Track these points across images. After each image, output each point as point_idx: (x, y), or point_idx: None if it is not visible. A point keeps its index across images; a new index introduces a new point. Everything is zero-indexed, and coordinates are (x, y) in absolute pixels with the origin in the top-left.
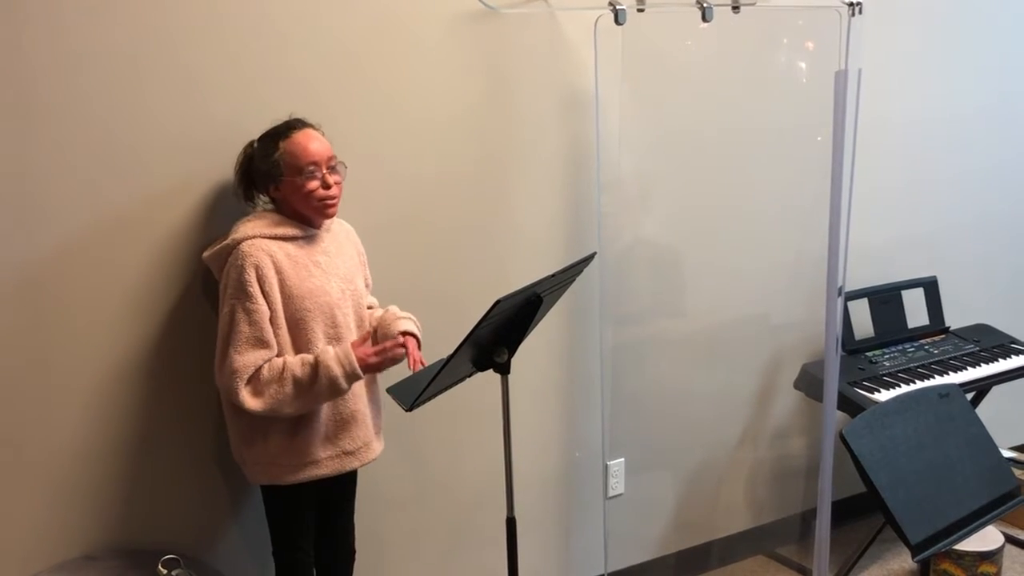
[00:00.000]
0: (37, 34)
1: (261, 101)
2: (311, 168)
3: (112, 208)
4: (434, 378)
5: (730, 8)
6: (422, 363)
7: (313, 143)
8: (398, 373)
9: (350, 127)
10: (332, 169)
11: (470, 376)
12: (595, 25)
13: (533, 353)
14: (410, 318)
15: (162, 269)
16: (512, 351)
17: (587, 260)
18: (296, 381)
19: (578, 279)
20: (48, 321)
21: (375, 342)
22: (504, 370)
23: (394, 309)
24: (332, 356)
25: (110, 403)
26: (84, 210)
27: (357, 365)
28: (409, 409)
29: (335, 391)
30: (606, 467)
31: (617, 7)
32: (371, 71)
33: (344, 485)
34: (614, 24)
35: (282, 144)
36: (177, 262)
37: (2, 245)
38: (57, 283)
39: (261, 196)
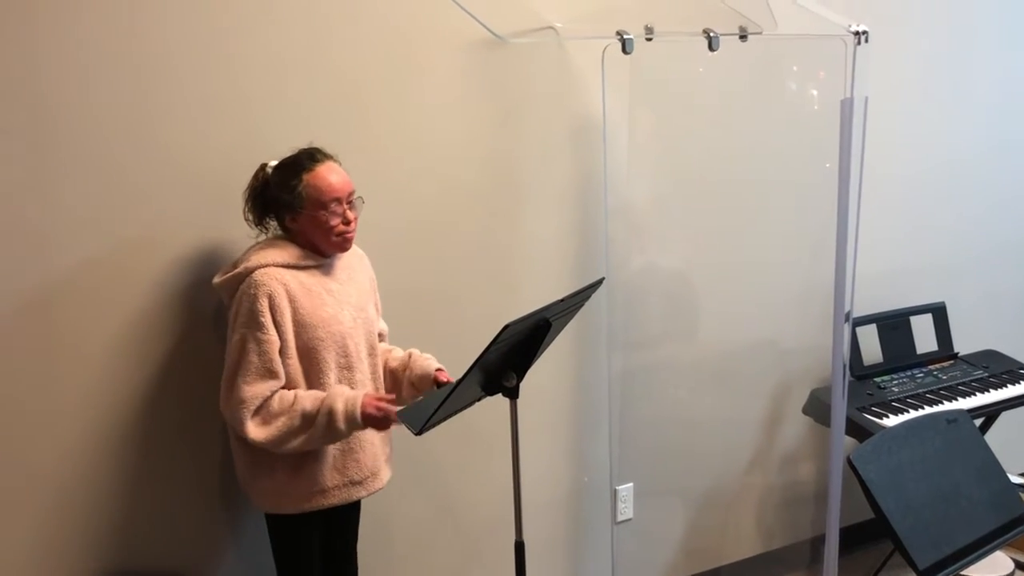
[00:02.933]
0: (61, 63)
1: (277, 126)
2: (334, 204)
3: (118, 235)
4: (443, 402)
5: (737, 37)
6: None
7: (335, 177)
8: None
9: (363, 154)
10: (351, 204)
11: (479, 400)
12: (603, 54)
13: (542, 378)
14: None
15: (173, 294)
16: (521, 376)
17: (595, 285)
18: (304, 414)
19: (586, 304)
20: (55, 344)
21: (398, 385)
22: (513, 394)
23: (416, 352)
24: (339, 392)
25: (110, 427)
26: (90, 239)
27: (359, 409)
28: (418, 433)
29: (332, 430)
30: (615, 492)
31: (625, 36)
32: (384, 99)
33: (349, 512)
34: (622, 53)
35: (305, 176)
36: (188, 288)
37: (17, 268)
38: (66, 306)
39: (272, 222)
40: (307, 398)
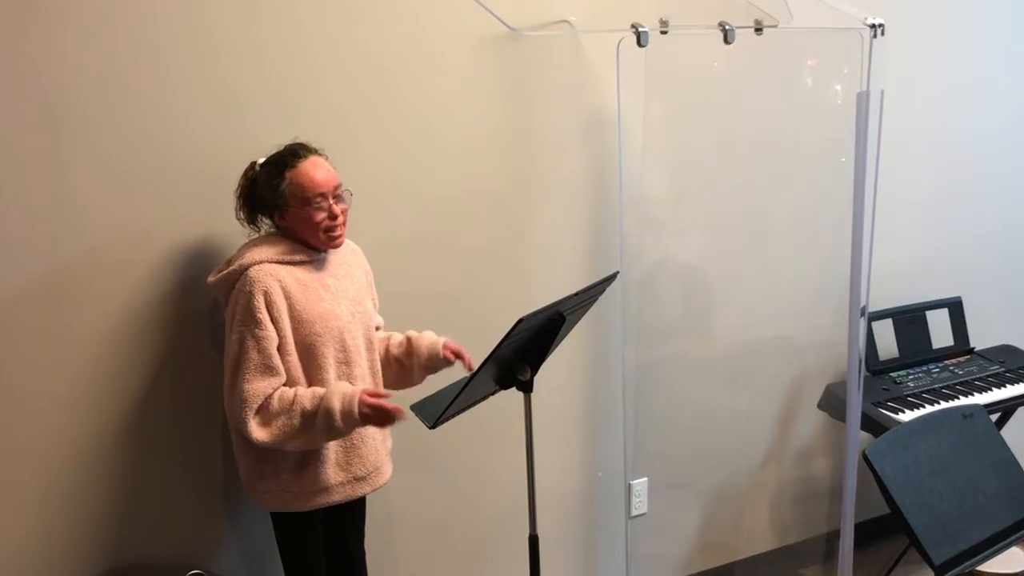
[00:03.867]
0: (70, 52)
1: (287, 121)
2: (318, 200)
3: (117, 227)
4: (457, 396)
5: (752, 30)
6: (470, 367)
7: (319, 172)
8: (421, 391)
9: (374, 146)
10: (338, 198)
11: (493, 394)
12: (618, 47)
13: (556, 372)
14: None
15: (173, 286)
16: (535, 369)
17: (610, 279)
18: (304, 414)
19: (601, 298)
20: (58, 336)
21: (408, 373)
22: (527, 388)
23: (414, 334)
24: (336, 390)
25: (112, 420)
26: (84, 234)
27: (356, 405)
28: (432, 427)
29: (331, 428)
30: (629, 487)
31: (640, 29)
32: (396, 91)
33: (354, 509)
34: (637, 46)
35: (288, 174)
36: (188, 280)
37: (23, 259)
38: (69, 297)
39: (265, 220)
40: (306, 396)
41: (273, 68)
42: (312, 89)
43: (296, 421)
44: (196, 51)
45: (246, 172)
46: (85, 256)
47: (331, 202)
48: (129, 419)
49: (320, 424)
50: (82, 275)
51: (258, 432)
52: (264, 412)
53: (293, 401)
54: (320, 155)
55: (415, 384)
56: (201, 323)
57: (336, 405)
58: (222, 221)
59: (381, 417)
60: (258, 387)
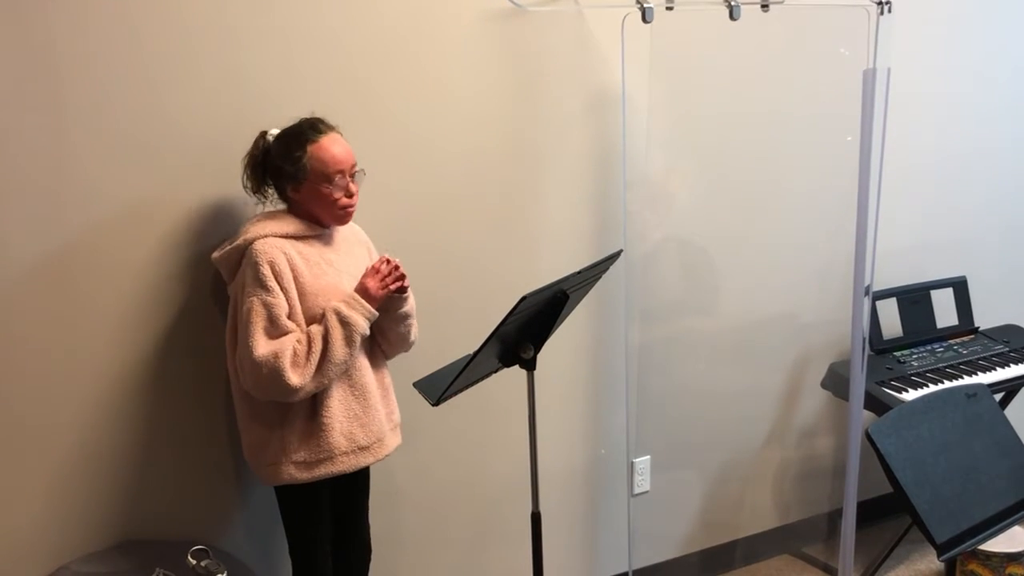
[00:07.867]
0: (67, 35)
1: (291, 99)
2: (338, 176)
3: (124, 205)
4: (460, 373)
5: (759, 6)
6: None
7: (339, 149)
8: (424, 369)
9: (378, 124)
10: (353, 177)
11: (496, 372)
12: (622, 23)
13: (559, 350)
14: None
15: (177, 265)
16: (538, 347)
17: (613, 257)
18: (322, 336)
19: (604, 277)
20: (63, 316)
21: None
22: (530, 366)
23: None
24: (334, 302)
25: (128, 401)
26: (96, 208)
27: (357, 294)
28: (435, 404)
29: (347, 328)
30: (632, 464)
31: (645, 5)
32: (400, 68)
33: (358, 481)
34: (642, 22)
35: (310, 148)
36: (196, 254)
37: (26, 236)
38: (72, 278)
39: (270, 190)
40: (315, 327)
41: (278, 44)
42: (316, 67)
43: (319, 345)
44: (199, 27)
45: (256, 142)
46: (92, 233)
47: (348, 180)
48: (135, 395)
49: (334, 327)
50: (88, 253)
51: (296, 377)
52: (294, 358)
53: (310, 337)
54: (338, 131)
55: (389, 337)
56: (205, 301)
57: (337, 304)
58: (230, 196)
59: (386, 284)
60: (282, 342)
